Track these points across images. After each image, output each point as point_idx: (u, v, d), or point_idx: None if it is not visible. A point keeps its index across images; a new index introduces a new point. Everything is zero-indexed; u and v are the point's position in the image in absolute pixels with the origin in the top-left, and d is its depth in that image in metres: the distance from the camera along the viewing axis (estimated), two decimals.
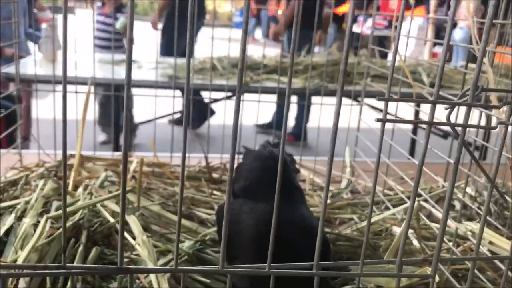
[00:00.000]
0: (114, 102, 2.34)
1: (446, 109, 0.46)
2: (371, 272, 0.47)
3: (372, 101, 2.50)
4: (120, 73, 2.19)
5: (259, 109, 1.36)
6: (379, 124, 0.44)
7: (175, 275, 0.79)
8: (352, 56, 2.95)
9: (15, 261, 0.71)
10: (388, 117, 0.45)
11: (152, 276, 0.72)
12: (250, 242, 0.69)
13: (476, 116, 1.01)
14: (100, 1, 3.16)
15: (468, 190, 1.19)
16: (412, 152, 2.86)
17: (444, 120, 0.44)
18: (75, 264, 0.73)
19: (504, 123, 0.42)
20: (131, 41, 0.36)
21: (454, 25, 5.52)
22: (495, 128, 0.43)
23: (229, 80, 2.18)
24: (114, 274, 0.55)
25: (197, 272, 0.46)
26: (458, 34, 5.52)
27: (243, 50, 0.39)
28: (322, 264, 0.47)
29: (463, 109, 0.46)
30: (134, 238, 0.82)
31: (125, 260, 0.81)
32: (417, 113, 2.21)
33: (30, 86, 2.38)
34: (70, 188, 0.98)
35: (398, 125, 1.16)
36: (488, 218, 1.00)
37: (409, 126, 2.89)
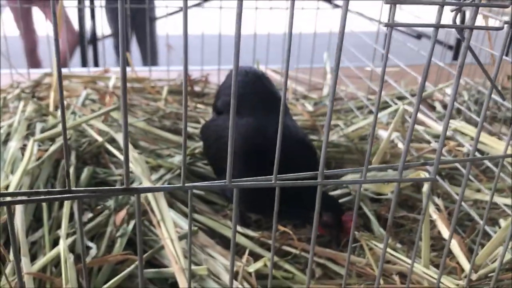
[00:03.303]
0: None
1: (452, 11, 0.45)
2: (373, 179, 0.48)
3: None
4: None
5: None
6: (360, 27, 0.42)
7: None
8: None
9: (7, 186, 0.70)
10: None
11: (149, 193, 0.72)
12: (237, 155, 0.69)
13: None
14: None
15: (448, 91, 1.21)
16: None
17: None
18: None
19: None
20: None
21: None
22: (501, 28, 0.43)
23: None
24: (121, 195, 0.55)
25: (204, 187, 0.47)
26: None
27: None
28: (325, 173, 0.47)
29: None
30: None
31: (119, 178, 0.81)
32: None
33: None
34: (51, 108, 0.95)
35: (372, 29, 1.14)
36: (471, 115, 1.02)
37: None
